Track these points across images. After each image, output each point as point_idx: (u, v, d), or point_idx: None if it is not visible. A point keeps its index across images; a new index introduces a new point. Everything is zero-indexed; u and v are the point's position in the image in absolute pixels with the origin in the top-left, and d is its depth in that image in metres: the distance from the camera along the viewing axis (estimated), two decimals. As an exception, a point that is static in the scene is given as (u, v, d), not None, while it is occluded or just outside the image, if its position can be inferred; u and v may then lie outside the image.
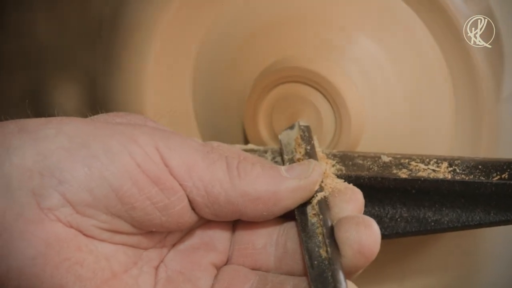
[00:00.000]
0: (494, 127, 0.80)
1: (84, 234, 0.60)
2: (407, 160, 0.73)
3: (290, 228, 0.67)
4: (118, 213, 0.61)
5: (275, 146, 0.79)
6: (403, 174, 0.71)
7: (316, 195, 0.65)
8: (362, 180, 0.71)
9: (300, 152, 0.73)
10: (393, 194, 0.71)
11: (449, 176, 0.70)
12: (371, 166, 0.73)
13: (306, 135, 0.75)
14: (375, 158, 0.74)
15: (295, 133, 0.76)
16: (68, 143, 0.60)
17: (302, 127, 0.76)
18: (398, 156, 0.73)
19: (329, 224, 0.63)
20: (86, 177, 0.59)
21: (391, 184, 0.71)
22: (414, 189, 0.71)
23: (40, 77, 1.00)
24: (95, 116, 0.66)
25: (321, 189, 0.66)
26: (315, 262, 0.60)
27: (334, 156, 0.74)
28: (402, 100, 0.81)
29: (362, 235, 0.61)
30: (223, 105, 0.87)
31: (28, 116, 0.62)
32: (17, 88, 1.02)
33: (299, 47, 0.82)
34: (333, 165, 0.73)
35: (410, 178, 0.71)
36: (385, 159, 0.73)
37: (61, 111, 0.93)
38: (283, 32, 0.83)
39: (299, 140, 0.74)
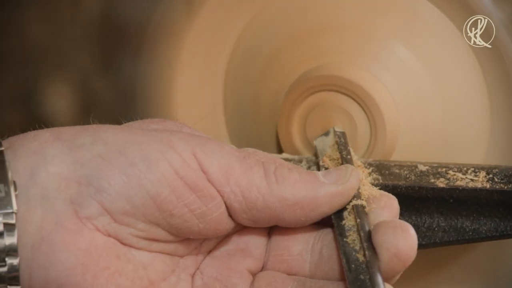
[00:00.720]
0: None
1: (122, 243, 0.60)
2: (444, 169, 0.72)
3: (325, 235, 0.66)
4: (156, 220, 0.60)
5: (310, 155, 0.79)
6: (441, 183, 0.71)
7: (352, 201, 0.65)
8: (399, 189, 0.71)
9: (336, 158, 0.72)
10: (431, 203, 0.71)
11: (487, 185, 0.70)
12: (408, 175, 0.72)
13: (342, 141, 0.74)
14: (412, 167, 0.73)
15: (330, 139, 0.76)
16: (105, 151, 0.59)
17: (338, 133, 0.76)
18: (435, 165, 0.73)
19: (367, 228, 0.63)
20: (124, 185, 0.59)
21: (428, 193, 0.71)
22: (452, 198, 0.70)
23: (32, 77, 1.00)
24: (130, 123, 0.66)
25: (357, 195, 0.66)
26: (353, 266, 0.60)
27: (370, 165, 0.74)
28: (435, 108, 0.81)
29: (400, 238, 0.61)
30: (254, 113, 0.87)
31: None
32: (8, 88, 1.01)
33: (331, 55, 0.82)
34: (370, 174, 0.73)
35: (448, 187, 0.70)
36: (422, 168, 0.73)
37: (53, 111, 0.94)
38: (314, 41, 0.83)
39: (336, 146, 0.74)
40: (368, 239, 0.62)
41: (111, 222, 0.59)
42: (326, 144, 0.76)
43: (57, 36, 0.97)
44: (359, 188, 0.66)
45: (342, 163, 0.71)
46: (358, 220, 0.63)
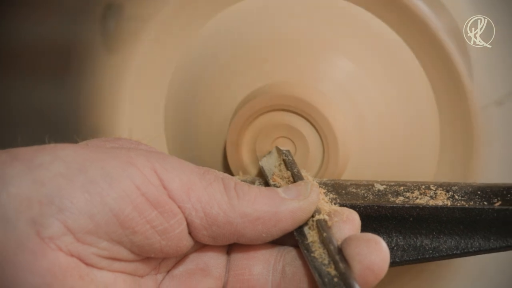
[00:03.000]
0: (483, 146, 0.80)
1: (85, 263, 0.59)
2: (402, 188, 0.72)
3: (286, 253, 0.66)
4: (119, 238, 0.60)
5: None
6: (400, 201, 0.70)
7: (315, 216, 0.65)
8: (357, 209, 0.70)
9: (287, 176, 0.72)
10: (389, 222, 0.70)
11: (448, 203, 0.69)
12: (365, 195, 0.72)
13: (290, 159, 0.74)
14: (369, 186, 0.72)
15: (275, 159, 0.76)
16: (65, 169, 0.59)
17: (284, 151, 0.76)
18: (392, 183, 0.72)
19: (335, 242, 0.63)
20: (86, 203, 0.58)
21: (388, 212, 0.70)
22: (412, 217, 0.70)
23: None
24: (86, 141, 0.66)
25: (318, 210, 0.66)
26: (326, 280, 0.60)
27: (326, 184, 0.73)
28: (387, 126, 0.80)
29: (373, 251, 0.61)
30: (199, 136, 0.84)
31: None
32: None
33: (278, 74, 0.81)
34: (326, 194, 0.71)
35: (408, 205, 0.70)
36: (379, 187, 0.72)
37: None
38: (259, 59, 0.81)
39: (283, 165, 0.74)
40: (339, 252, 0.62)
41: (73, 241, 0.58)
42: (271, 164, 0.75)
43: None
44: (318, 204, 0.66)
45: (294, 181, 0.70)
46: (325, 234, 0.63)
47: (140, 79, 0.85)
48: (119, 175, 0.59)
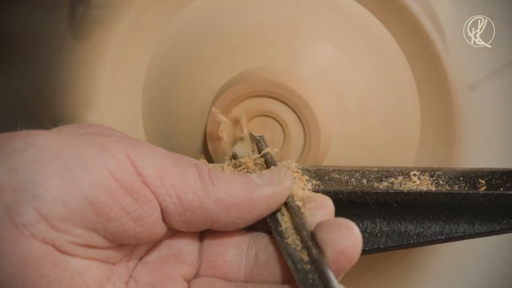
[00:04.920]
0: (463, 128, 0.79)
1: (59, 250, 0.59)
2: (385, 173, 0.71)
3: (260, 239, 0.66)
4: (93, 225, 0.59)
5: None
6: (384, 187, 0.70)
7: (288, 202, 0.65)
8: (341, 195, 0.70)
9: (260, 162, 0.71)
10: (373, 208, 0.70)
11: (433, 188, 0.69)
12: (349, 180, 0.71)
13: (263, 145, 0.73)
14: (352, 172, 0.72)
15: (248, 145, 0.75)
16: (39, 156, 0.58)
17: (257, 137, 0.75)
18: (375, 169, 0.72)
19: (308, 228, 0.63)
20: (61, 190, 0.58)
21: (371, 198, 0.69)
22: (396, 202, 0.69)
23: None
24: (58, 127, 0.65)
25: (291, 196, 0.65)
26: (299, 266, 0.60)
27: (308, 170, 0.72)
28: (368, 110, 0.80)
29: (345, 235, 0.61)
30: (179, 122, 0.83)
31: None
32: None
33: (258, 60, 0.80)
34: (308, 180, 0.71)
35: (393, 191, 0.69)
36: (363, 173, 0.71)
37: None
38: (239, 45, 0.80)
39: (257, 150, 0.73)
40: (312, 238, 0.62)
41: (48, 229, 0.57)
42: (245, 150, 0.75)
43: None
44: (292, 190, 0.66)
45: (268, 167, 0.70)
46: (297, 219, 0.63)
47: (116, 66, 0.84)
48: (94, 161, 0.59)
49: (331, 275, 0.58)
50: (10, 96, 0.94)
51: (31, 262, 0.57)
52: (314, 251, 0.60)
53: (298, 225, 0.63)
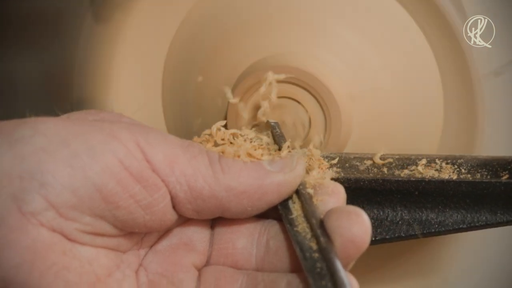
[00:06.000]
0: (487, 115, 0.79)
1: (67, 238, 0.58)
2: (407, 161, 0.70)
3: (270, 227, 0.65)
4: (102, 213, 0.59)
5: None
6: (405, 175, 0.69)
7: (299, 189, 0.64)
8: (362, 183, 0.69)
9: (274, 149, 0.70)
10: (394, 196, 0.69)
11: (454, 177, 0.68)
12: (370, 168, 0.70)
13: (278, 131, 0.72)
14: (373, 159, 0.71)
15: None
16: (47, 143, 0.57)
17: (273, 123, 0.74)
18: (397, 156, 0.71)
19: (318, 215, 0.62)
20: (69, 178, 0.57)
21: (393, 186, 0.69)
22: (418, 190, 0.68)
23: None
24: (67, 114, 0.64)
25: (303, 183, 0.65)
26: (307, 254, 0.59)
27: (330, 157, 0.72)
28: (390, 96, 0.79)
29: (354, 223, 0.60)
30: (198, 106, 0.83)
31: None
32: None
33: (279, 46, 0.79)
34: (329, 168, 0.70)
35: (414, 179, 0.68)
36: (384, 160, 0.71)
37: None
38: (260, 31, 0.80)
39: (272, 137, 0.72)
40: (321, 226, 0.61)
41: (56, 217, 0.57)
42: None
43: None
44: (304, 177, 0.65)
45: (275, 142, 0.70)
46: (308, 207, 0.62)
47: (135, 48, 0.83)
48: (102, 148, 0.58)
49: (338, 264, 0.58)
50: (30, 77, 0.94)
51: (38, 251, 0.56)
52: (322, 239, 0.59)
53: (308, 213, 0.62)
